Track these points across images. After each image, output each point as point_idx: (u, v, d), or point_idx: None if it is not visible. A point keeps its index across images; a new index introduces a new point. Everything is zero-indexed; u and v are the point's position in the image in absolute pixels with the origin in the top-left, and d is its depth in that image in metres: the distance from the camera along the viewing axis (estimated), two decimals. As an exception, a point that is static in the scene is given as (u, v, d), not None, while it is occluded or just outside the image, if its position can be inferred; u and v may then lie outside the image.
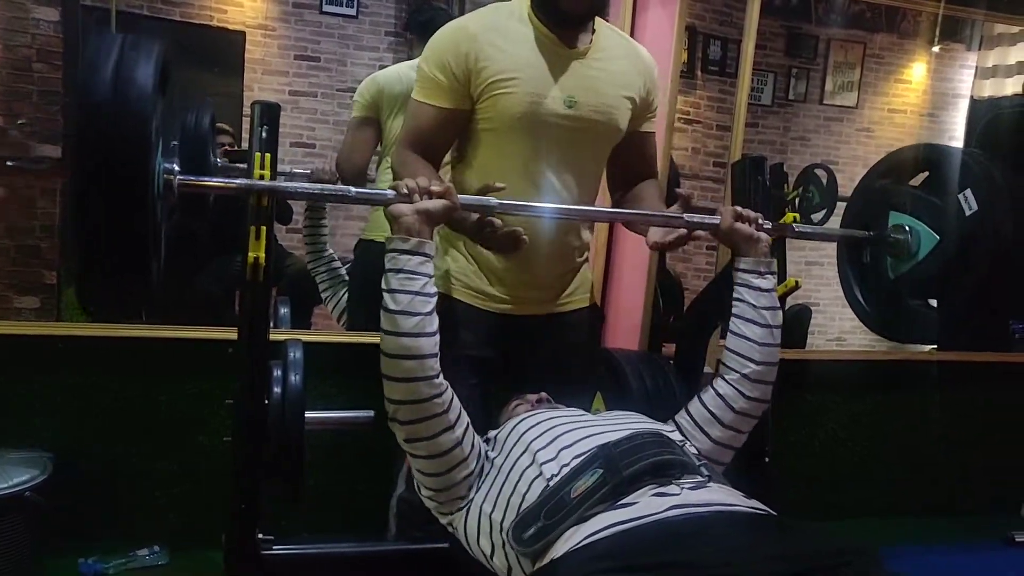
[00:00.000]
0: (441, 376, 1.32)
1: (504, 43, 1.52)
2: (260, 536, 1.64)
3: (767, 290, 1.48)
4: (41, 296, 2.90)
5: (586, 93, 1.55)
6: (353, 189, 1.43)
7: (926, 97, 4.70)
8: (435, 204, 1.32)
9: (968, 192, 1.68)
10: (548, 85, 1.53)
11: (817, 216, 3.46)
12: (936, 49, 4.57)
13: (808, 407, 2.83)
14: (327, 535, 1.85)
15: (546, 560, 1.14)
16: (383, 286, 1.31)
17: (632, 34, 2.35)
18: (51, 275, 2.90)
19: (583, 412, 1.49)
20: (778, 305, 1.50)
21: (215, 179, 1.39)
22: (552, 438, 1.30)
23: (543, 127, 1.54)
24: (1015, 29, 3.81)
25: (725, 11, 4.09)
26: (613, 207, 1.79)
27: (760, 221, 1.51)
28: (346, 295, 2.74)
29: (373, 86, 2.48)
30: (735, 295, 1.50)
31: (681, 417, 1.49)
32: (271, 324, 1.69)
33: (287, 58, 3.67)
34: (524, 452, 1.30)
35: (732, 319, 1.50)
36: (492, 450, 1.39)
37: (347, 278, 2.78)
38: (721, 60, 4.17)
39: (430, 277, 1.31)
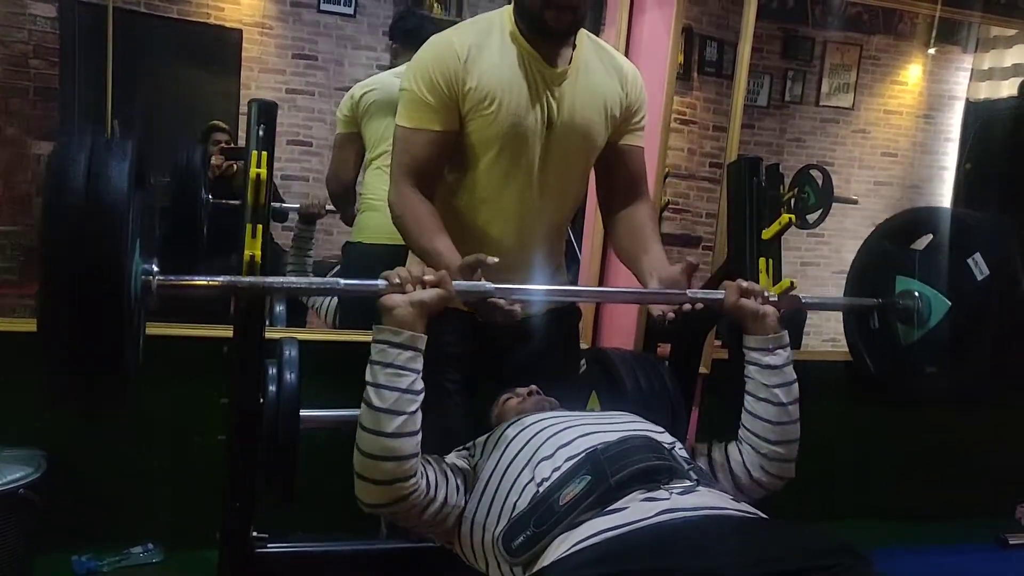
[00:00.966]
0: (417, 471, 1.25)
1: (489, 62, 1.51)
2: (255, 534, 1.64)
3: (779, 366, 1.43)
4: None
5: (565, 112, 1.56)
6: (342, 281, 1.35)
7: (922, 99, 4.71)
8: (429, 295, 1.26)
9: (977, 256, 1.59)
10: (529, 105, 1.52)
11: (812, 217, 3.47)
12: (932, 51, 4.58)
13: (803, 407, 2.83)
14: (321, 534, 1.84)
15: (536, 568, 1.14)
16: (367, 378, 1.24)
17: (629, 36, 2.35)
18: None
19: (574, 412, 1.49)
20: (793, 378, 1.45)
21: (197, 277, 1.29)
22: (542, 441, 1.30)
23: (524, 146, 1.55)
24: (1011, 32, 3.82)
25: (721, 13, 4.09)
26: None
27: (766, 294, 1.47)
28: (329, 301, 2.75)
29: (350, 100, 2.52)
30: (745, 372, 1.45)
31: (716, 450, 1.47)
32: (266, 322, 1.69)
33: (284, 57, 3.67)
34: (515, 458, 1.30)
35: (745, 396, 1.45)
36: (480, 456, 1.38)
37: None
38: (717, 62, 4.17)
39: (417, 373, 1.25)
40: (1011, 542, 2.82)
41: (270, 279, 1.45)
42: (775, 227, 2.03)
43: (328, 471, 2.25)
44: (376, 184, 2.45)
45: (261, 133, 1.55)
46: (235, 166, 2.84)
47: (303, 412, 1.63)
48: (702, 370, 2.47)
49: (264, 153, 1.53)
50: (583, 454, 1.23)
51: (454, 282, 1.30)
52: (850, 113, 4.60)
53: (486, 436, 1.43)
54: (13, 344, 2.11)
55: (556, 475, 1.22)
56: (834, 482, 2.86)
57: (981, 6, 3.09)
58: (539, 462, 1.26)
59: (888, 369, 1.79)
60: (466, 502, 1.32)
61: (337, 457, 2.23)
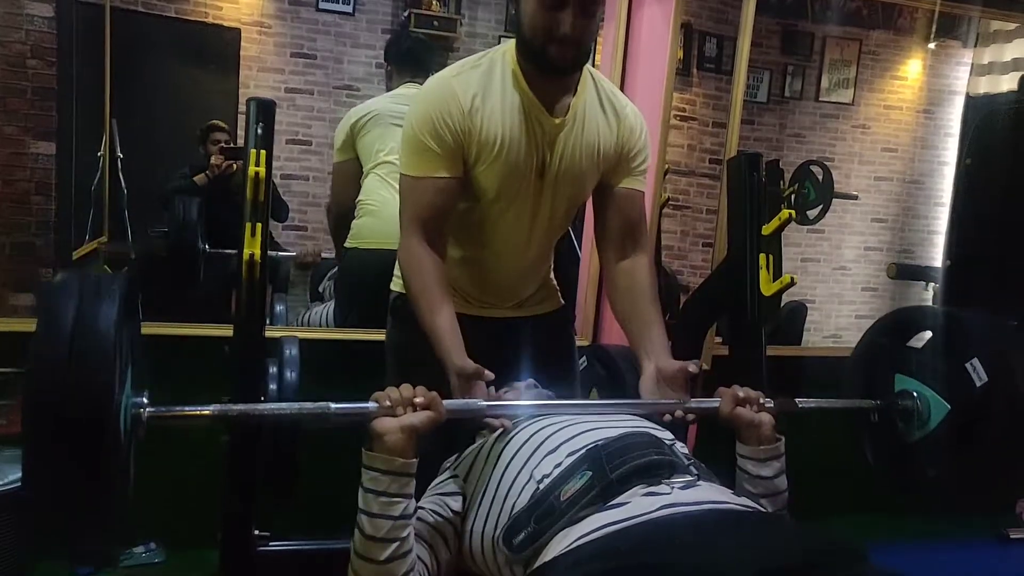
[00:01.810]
0: (415, 569, 1.23)
1: (492, 109, 1.49)
2: (256, 533, 1.64)
3: (769, 478, 1.42)
4: (36, 293, 2.89)
5: (556, 161, 1.54)
6: (332, 405, 1.29)
7: (922, 94, 4.70)
8: (420, 419, 1.23)
9: (976, 362, 1.57)
10: (526, 154, 1.51)
11: (812, 212, 3.46)
12: (932, 46, 4.57)
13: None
14: (322, 533, 1.85)
15: (538, 563, 1.14)
16: (360, 504, 1.21)
17: (628, 32, 2.35)
18: (46, 272, 2.89)
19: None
20: (783, 486, 1.44)
21: (188, 408, 1.27)
22: (540, 441, 1.29)
23: (516, 193, 1.55)
24: (1011, 26, 3.81)
25: (721, 8, 4.09)
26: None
27: (762, 401, 1.45)
28: (323, 311, 2.76)
29: (347, 124, 2.53)
30: (738, 465, 1.44)
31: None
32: (267, 321, 1.69)
33: (283, 55, 3.66)
34: (511, 462, 1.29)
35: (738, 472, 1.44)
36: (475, 465, 1.37)
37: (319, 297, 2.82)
38: (717, 57, 4.17)
39: (409, 498, 1.22)
40: (1012, 536, 2.82)
41: (261, 406, 1.44)
42: (775, 223, 2.03)
43: (329, 470, 2.26)
44: (374, 189, 2.46)
45: (260, 132, 1.55)
46: (234, 165, 2.84)
47: (304, 411, 1.63)
48: (704, 367, 2.47)
49: (263, 152, 1.53)
50: (583, 450, 1.23)
51: (445, 402, 1.28)
52: (850, 108, 4.60)
53: (481, 442, 1.41)
54: (14, 344, 2.12)
55: (556, 471, 1.21)
56: (834, 477, 2.86)
57: (981, 1, 3.08)
58: (538, 462, 1.25)
59: (889, 466, 1.80)
60: (464, 524, 1.31)
61: (337, 456, 2.25)
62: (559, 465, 1.22)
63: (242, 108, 3.30)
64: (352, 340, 2.30)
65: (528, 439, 1.31)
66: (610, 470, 1.16)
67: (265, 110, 1.56)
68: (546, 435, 1.31)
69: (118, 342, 1.07)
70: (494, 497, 1.28)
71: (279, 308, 2.88)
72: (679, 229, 4.10)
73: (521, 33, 1.47)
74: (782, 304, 3.21)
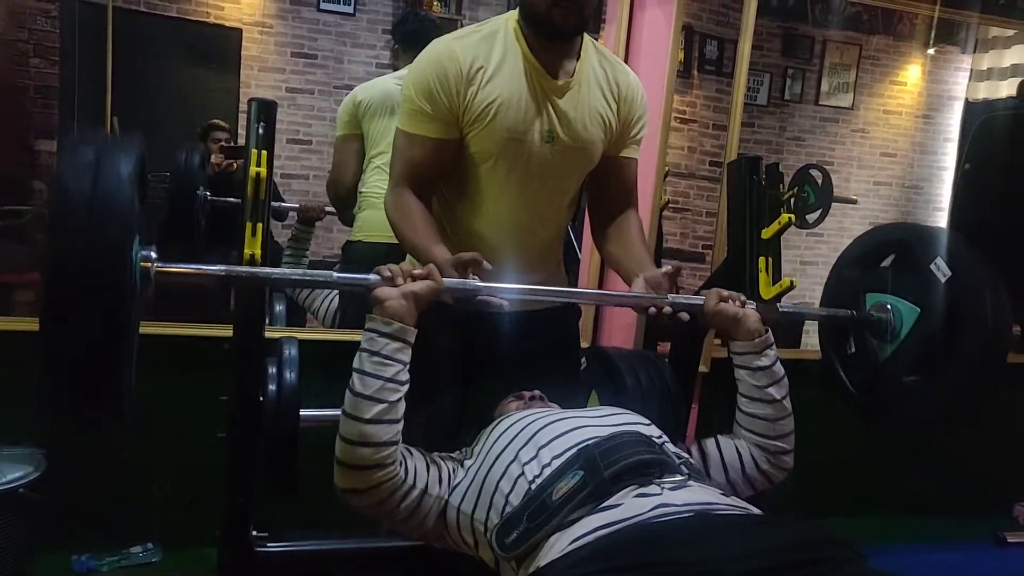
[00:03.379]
0: (398, 460, 1.27)
1: (490, 72, 1.49)
2: (254, 533, 1.64)
3: (767, 367, 1.44)
4: (36, 291, 2.89)
5: (565, 128, 1.54)
6: (335, 275, 1.36)
7: (921, 99, 4.71)
8: (420, 286, 1.28)
9: (938, 260, 1.65)
10: (529, 119, 1.51)
11: (812, 216, 3.47)
12: (931, 51, 4.59)
13: (801, 405, 2.82)
14: (321, 532, 1.85)
15: (532, 568, 1.14)
16: (354, 364, 1.26)
17: (629, 34, 2.35)
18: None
19: (568, 411, 1.49)
20: (782, 374, 1.47)
21: (195, 266, 1.30)
22: (532, 433, 1.30)
23: (523, 159, 1.54)
24: (1010, 32, 3.82)
25: (722, 11, 4.10)
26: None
27: (743, 299, 1.48)
28: (329, 304, 2.75)
29: (351, 102, 2.49)
30: (736, 375, 1.47)
31: (709, 444, 1.48)
32: (266, 321, 1.69)
33: (284, 55, 3.67)
34: (506, 448, 1.30)
35: (739, 398, 1.47)
36: (469, 457, 1.38)
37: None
38: (717, 60, 4.18)
39: (404, 365, 1.26)
40: (1009, 540, 2.82)
41: (267, 270, 1.46)
42: (775, 226, 2.03)
43: (327, 470, 2.26)
44: (376, 182, 2.45)
45: (261, 131, 1.55)
46: (235, 164, 2.84)
47: (303, 411, 1.63)
48: (702, 368, 2.47)
49: (264, 151, 1.53)
50: (575, 448, 1.23)
51: (444, 279, 1.32)
52: (849, 112, 4.61)
53: (479, 432, 1.43)
54: (12, 343, 2.12)
55: (548, 470, 1.22)
56: (832, 478, 2.87)
57: (980, 7, 3.09)
58: (529, 455, 1.26)
59: (867, 388, 1.82)
60: (450, 494, 1.32)
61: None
62: (550, 464, 1.23)
63: (243, 107, 3.31)
64: (353, 341, 2.30)
65: (522, 430, 1.32)
66: (602, 469, 1.16)
67: (266, 110, 1.56)
68: (539, 427, 1.31)
69: (134, 195, 1.10)
70: (484, 480, 1.28)
71: (278, 308, 2.88)
72: (679, 231, 4.11)
73: None
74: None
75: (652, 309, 1.45)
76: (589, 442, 1.23)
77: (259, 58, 3.62)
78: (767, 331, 1.47)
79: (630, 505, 1.12)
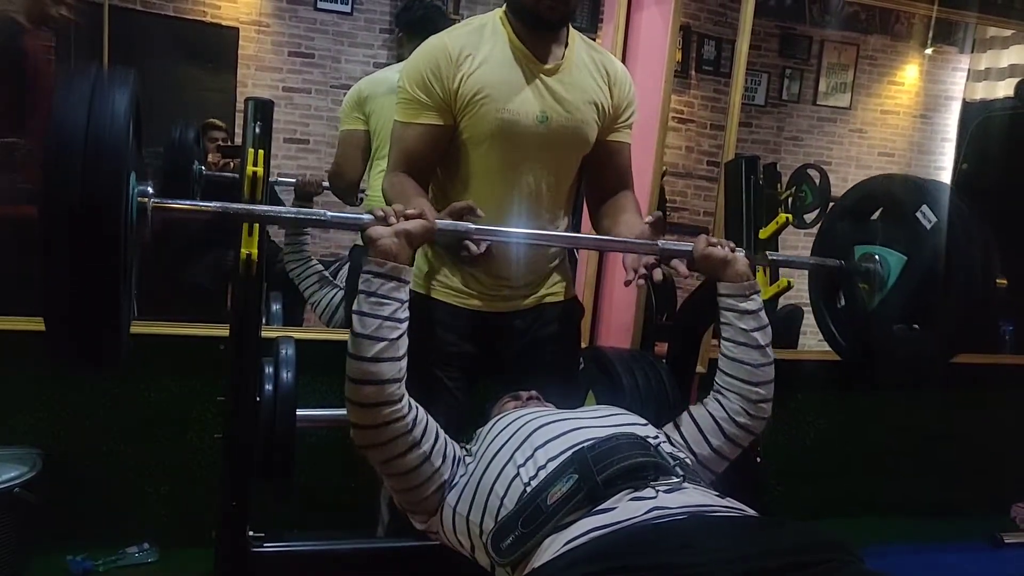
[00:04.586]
0: (405, 399, 1.29)
1: (480, 60, 1.55)
2: (250, 534, 1.64)
3: (753, 311, 1.47)
4: (31, 291, 2.88)
5: (557, 109, 1.59)
6: (329, 213, 1.38)
7: (919, 99, 4.72)
8: (412, 225, 1.31)
9: (924, 208, 1.69)
10: (521, 101, 1.56)
11: (809, 216, 3.47)
12: (929, 51, 4.59)
13: (799, 407, 2.84)
14: (317, 533, 1.84)
15: (527, 570, 1.14)
16: (354, 306, 1.29)
17: (627, 34, 2.35)
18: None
19: (563, 410, 1.49)
20: (766, 322, 1.49)
21: (190, 203, 1.33)
22: (527, 434, 1.30)
23: (516, 141, 1.58)
24: (1007, 32, 3.82)
25: (719, 11, 4.09)
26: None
27: (732, 246, 1.50)
28: (332, 297, 2.74)
29: (356, 93, 2.46)
30: (722, 320, 1.49)
31: (684, 423, 1.48)
32: (263, 321, 1.68)
33: (281, 54, 3.66)
34: (501, 449, 1.30)
35: (724, 343, 1.49)
36: (469, 454, 1.38)
37: (331, 279, 2.78)
38: (715, 60, 4.18)
39: (402, 303, 1.29)
40: (1006, 541, 2.83)
41: (262, 208, 1.48)
42: (772, 226, 2.03)
43: (324, 471, 2.27)
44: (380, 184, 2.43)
45: (258, 131, 1.55)
46: (232, 164, 2.83)
47: (299, 411, 1.63)
48: (699, 369, 2.47)
49: (261, 151, 1.53)
50: (569, 451, 1.23)
51: (437, 221, 1.35)
52: (847, 112, 4.61)
53: (481, 428, 1.43)
54: (9, 343, 2.11)
55: (544, 472, 1.22)
56: (829, 480, 2.87)
57: (978, 7, 3.09)
58: (525, 457, 1.26)
59: (856, 338, 1.86)
60: (448, 491, 1.33)
61: (333, 457, 2.25)
62: (546, 466, 1.22)
63: (240, 106, 3.31)
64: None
65: (517, 430, 1.32)
66: (596, 472, 1.16)
67: (263, 109, 1.56)
68: (534, 427, 1.31)
69: (128, 129, 1.11)
70: (480, 481, 1.28)
71: (275, 307, 2.87)
72: (678, 223, 4.10)
73: None
74: (779, 307, 3.22)
75: (642, 270, 1.48)
76: (584, 445, 1.23)
77: (256, 57, 3.61)
78: (754, 279, 1.50)
79: (625, 508, 1.12)
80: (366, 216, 1.33)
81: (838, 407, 2.89)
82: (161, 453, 2.22)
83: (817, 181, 3.52)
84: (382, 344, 1.26)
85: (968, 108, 4.22)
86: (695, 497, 1.16)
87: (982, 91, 4.13)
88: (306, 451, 1.66)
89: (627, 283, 1.52)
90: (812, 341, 4.09)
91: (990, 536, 2.84)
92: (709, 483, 1.36)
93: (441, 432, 1.35)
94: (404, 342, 1.30)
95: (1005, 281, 2.45)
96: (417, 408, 1.32)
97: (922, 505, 2.93)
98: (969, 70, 4.34)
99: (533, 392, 1.55)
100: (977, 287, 1.65)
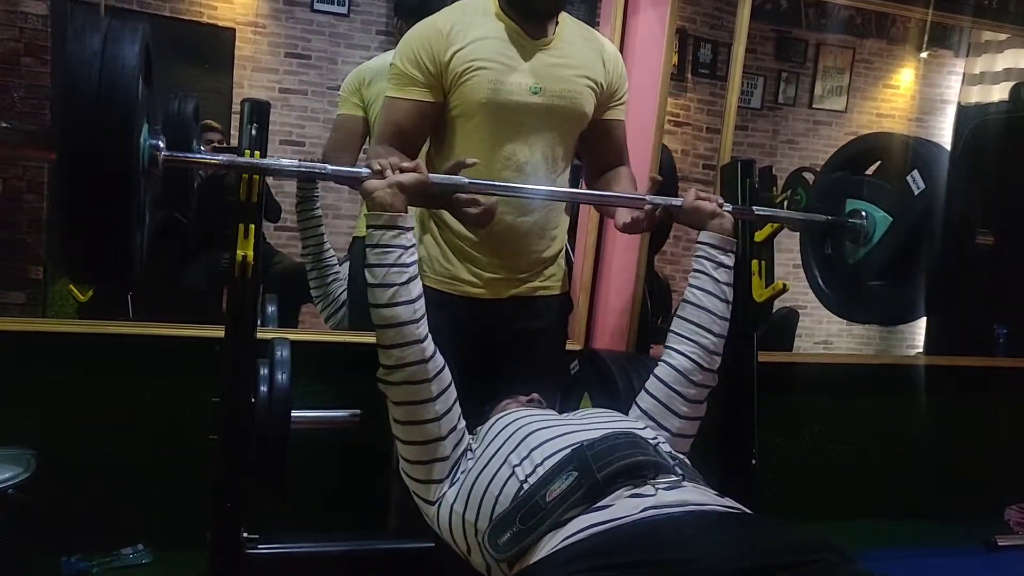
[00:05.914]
0: (428, 340, 1.35)
1: (472, 36, 1.59)
2: (245, 535, 1.64)
3: (729, 267, 1.54)
4: (27, 291, 2.88)
5: (551, 80, 1.62)
6: (329, 167, 1.47)
7: (914, 102, 4.73)
8: (407, 177, 1.37)
9: (915, 173, 1.76)
10: (513, 73, 1.59)
11: (805, 219, 3.47)
12: (924, 55, 4.60)
13: (794, 409, 2.84)
14: (312, 534, 1.84)
15: (524, 565, 1.14)
16: (365, 261, 1.36)
17: (623, 36, 2.35)
18: (37, 270, 2.88)
19: (559, 413, 1.49)
20: (733, 284, 1.55)
21: (199, 155, 1.43)
22: (523, 436, 1.30)
23: (509, 113, 1.61)
24: (1002, 37, 3.83)
25: (716, 14, 4.10)
26: (587, 187, 1.85)
27: (721, 201, 1.57)
28: (338, 294, 2.73)
29: (357, 79, 2.41)
30: (697, 267, 1.54)
31: (644, 401, 1.49)
32: (258, 322, 1.68)
33: (277, 55, 3.66)
34: (497, 451, 1.30)
35: (690, 290, 1.53)
36: (470, 451, 1.39)
37: (340, 276, 2.76)
38: (711, 63, 4.18)
39: (405, 248, 1.35)
40: (1000, 544, 2.83)
41: (266, 161, 1.53)
42: (768, 229, 2.03)
43: (319, 472, 2.26)
44: None
45: (254, 132, 1.55)
46: (227, 165, 2.82)
47: (294, 413, 1.62)
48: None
49: (257, 152, 1.53)
50: (568, 450, 1.23)
51: (431, 175, 1.42)
52: (843, 116, 4.62)
53: (478, 430, 1.43)
54: (4, 342, 2.11)
55: (541, 471, 1.22)
56: (823, 483, 2.87)
57: (973, 11, 3.10)
58: (520, 457, 1.26)
59: (838, 285, 1.98)
60: (450, 470, 1.35)
61: (328, 458, 2.25)
62: (543, 464, 1.23)
63: (236, 108, 3.30)
64: (346, 343, 2.30)
65: (514, 432, 1.32)
66: (596, 470, 1.17)
67: (259, 111, 1.56)
68: (531, 429, 1.32)
69: (139, 79, 1.17)
70: (476, 481, 1.29)
71: (271, 309, 2.87)
72: (672, 234, 4.10)
73: None
74: (774, 310, 3.22)
75: (636, 214, 1.57)
76: (583, 443, 1.24)
77: (252, 58, 3.62)
78: (736, 240, 1.57)
79: (623, 505, 1.12)
80: (364, 170, 1.39)
81: (833, 410, 2.90)
82: (156, 454, 2.21)
83: (812, 184, 3.53)
84: (392, 289, 1.33)
85: (963, 112, 4.23)
86: (694, 495, 1.17)
87: (977, 95, 4.15)
88: (301, 452, 1.66)
89: (624, 226, 1.60)
90: (807, 344, 4.10)
91: (984, 539, 2.84)
92: (703, 479, 1.37)
93: (457, 406, 1.40)
94: (415, 285, 1.36)
95: (991, 239, 2.55)
96: (444, 366, 1.38)
97: (916, 508, 2.93)
98: (964, 74, 4.35)
99: (535, 395, 1.56)
100: (951, 261, 1.75)
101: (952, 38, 4.42)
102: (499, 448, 1.31)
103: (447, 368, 1.38)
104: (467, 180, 1.46)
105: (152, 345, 2.19)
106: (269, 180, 2.88)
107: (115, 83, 1.13)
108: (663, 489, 1.16)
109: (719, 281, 1.52)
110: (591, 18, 2.47)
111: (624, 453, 1.20)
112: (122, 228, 1.21)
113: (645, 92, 2.32)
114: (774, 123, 4.49)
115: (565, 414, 1.46)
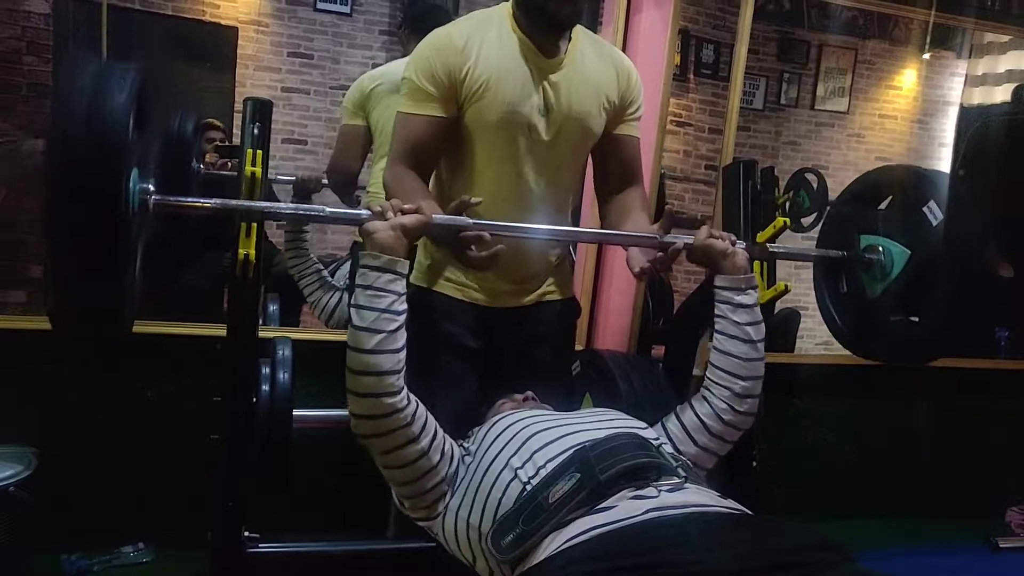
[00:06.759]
0: (404, 391, 1.31)
1: (485, 52, 1.56)
2: (246, 534, 1.64)
3: (749, 305, 1.48)
4: (27, 290, 2.88)
5: (561, 99, 1.59)
6: (328, 209, 1.41)
7: (916, 104, 4.72)
8: (410, 219, 1.32)
9: (931, 204, 1.71)
10: (525, 93, 1.56)
11: (807, 220, 3.47)
12: (927, 56, 4.59)
13: (796, 411, 2.84)
14: (313, 534, 1.84)
15: (527, 566, 1.14)
16: (351, 300, 1.31)
17: (625, 36, 2.36)
18: (37, 269, 2.88)
19: (561, 413, 1.49)
20: (760, 318, 1.50)
21: (191, 199, 1.35)
22: (525, 438, 1.30)
23: (519, 132, 1.58)
24: (1004, 38, 3.83)
25: (718, 15, 4.10)
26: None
27: (733, 239, 1.52)
28: (332, 297, 2.73)
29: (359, 89, 2.46)
30: (716, 312, 1.49)
31: (670, 421, 1.49)
32: (260, 321, 1.68)
33: (280, 55, 3.66)
34: (498, 454, 1.30)
35: (715, 336, 1.49)
36: (468, 453, 1.38)
37: (331, 280, 2.77)
38: (714, 63, 4.18)
39: (398, 295, 1.31)
40: (1001, 545, 2.83)
41: (261, 204, 1.50)
42: (770, 230, 2.03)
43: (320, 471, 2.26)
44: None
45: (256, 131, 1.55)
46: (229, 164, 2.82)
47: (296, 412, 1.63)
48: (695, 372, 2.47)
49: (259, 152, 1.53)
50: (571, 451, 1.23)
51: (434, 216, 1.37)
52: (845, 117, 4.61)
53: (478, 428, 1.43)
54: (5, 341, 2.11)
55: (543, 472, 1.22)
56: (825, 483, 2.87)
57: (975, 12, 3.10)
58: (523, 460, 1.26)
59: (857, 325, 1.90)
60: (449, 483, 1.33)
61: (329, 458, 2.25)
62: (546, 466, 1.23)
63: (238, 107, 3.30)
64: (346, 342, 2.30)
65: (515, 435, 1.32)
66: (598, 472, 1.16)
67: (262, 110, 1.56)
68: (532, 432, 1.31)
69: (128, 128, 1.14)
70: (479, 485, 1.28)
71: (272, 308, 2.87)
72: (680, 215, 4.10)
73: None
74: (775, 311, 3.22)
75: (645, 265, 1.49)
76: (585, 444, 1.23)
77: (255, 57, 3.61)
78: (752, 273, 1.50)
79: (626, 507, 1.12)
80: (364, 212, 1.35)
81: (834, 410, 2.90)
82: (157, 453, 2.21)
83: (815, 185, 3.52)
84: (380, 336, 1.28)
85: (965, 113, 4.23)
86: (696, 496, 1.17)
87: (979, 96, 4.14)
88: (302, 452, 1.66)
89: (637, 276, 1.53)
90: (809, 345, 4.10)
91: (986, 540, 2.84)
92: (705, 480, 1.37)
93: (440, 430, 1.36)
94: (402, 334, 1.31)
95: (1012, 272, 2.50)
96: (417, 403, 1.33)
97: (918, 509, 2.93)
98: (966, 75, 4.34)
99: (529, 393, 1.55)
100: (971, 286, 1.68)
101: (954, 39, 4.41)
102: (500, 450, 1.30)
103: (420, 404, 1.34)
104: (471, 221, 1.40)
105: (153, 344, 2.19)
106: (271, 178, 2.90)
107: (105, 130, 1.11)
108: (666, 491, 1.16)
109: (740, 323, 1.46)
110: (594, 18, 2.46)
111: (627, 455, 1.20)
112: (111, 285, 1.17)
113: (647, 93, 2.30)
114: (776, 124, 4.49)
115: (565, 413, 1.46)
